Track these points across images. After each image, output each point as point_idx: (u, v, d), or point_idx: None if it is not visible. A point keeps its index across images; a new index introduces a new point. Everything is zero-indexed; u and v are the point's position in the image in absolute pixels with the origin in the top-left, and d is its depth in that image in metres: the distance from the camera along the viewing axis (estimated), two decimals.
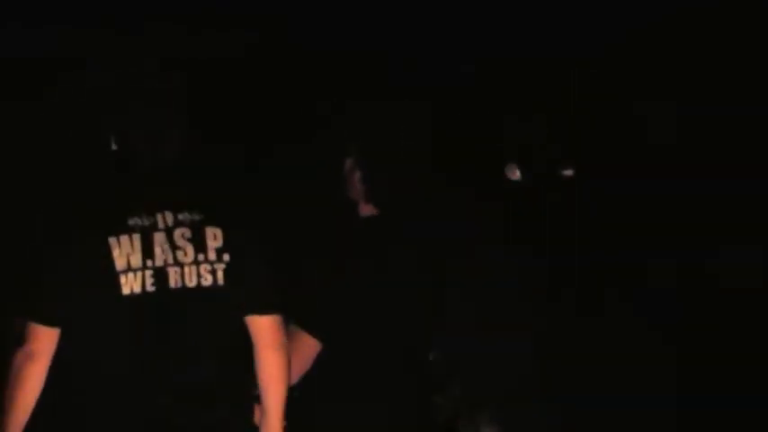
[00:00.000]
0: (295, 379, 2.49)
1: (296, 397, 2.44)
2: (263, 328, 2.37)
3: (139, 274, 2.24)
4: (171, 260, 2.26)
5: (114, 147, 2.37)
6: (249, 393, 2.40)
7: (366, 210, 2.73)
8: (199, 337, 2.28)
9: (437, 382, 2.90)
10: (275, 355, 2.36)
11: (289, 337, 2.45)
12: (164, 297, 2.25)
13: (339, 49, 5.56)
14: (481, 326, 3.26)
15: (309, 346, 2.55)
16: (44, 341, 2.26)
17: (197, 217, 2.32)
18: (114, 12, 5.30)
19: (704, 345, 4.82)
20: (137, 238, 2.25)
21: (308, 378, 2.56)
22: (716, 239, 5.23)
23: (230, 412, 2.32)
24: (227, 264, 2.29)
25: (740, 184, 5.36)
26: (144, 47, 5.53)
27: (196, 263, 2.27)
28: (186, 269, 2.27)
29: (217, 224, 2.31)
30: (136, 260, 2.24)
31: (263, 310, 2.37)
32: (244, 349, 2.38)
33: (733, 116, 5.30)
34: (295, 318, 2.54)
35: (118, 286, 2.22)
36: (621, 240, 5.09)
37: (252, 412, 2.40)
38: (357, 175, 2.70)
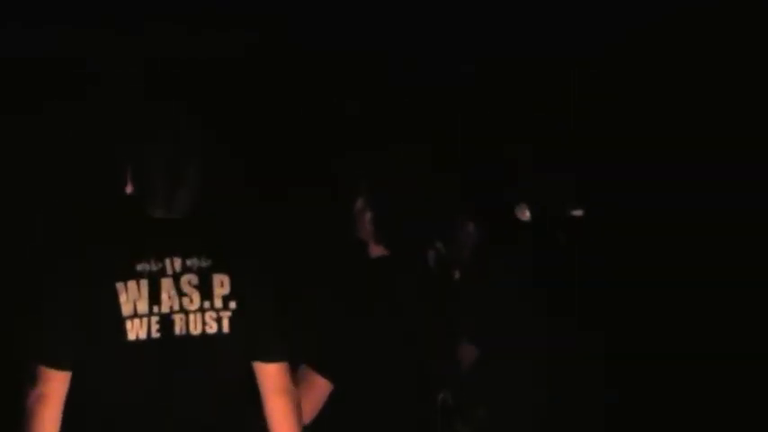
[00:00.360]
0: (308, 419, 2.50)
1: None
2: (270, 375, 2.38)
3: (145, 320, 2.24)
4: (177, 307, 2.26)
5: (129, 190, 2.39)
6: None
7: (376, 250, 2.72)
8: (201, 384, 2.29)
9: (457, 411, 2.91)
10: (283, 400, 2.38)
11: (300, 378, 2.48)
12: (168, 344, 2.26)
13: (339, 49, 5.55)
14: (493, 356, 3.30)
15: (321, 387, 2.55)
16: (55, 384, 2.27)
17: (205, 263, 2.32)
18: (114, 12, 5.30)
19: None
20: (144, 283, 2.25)
21: (320, 418, 2.56)
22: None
23: None
24: (233, 311, 2.29)
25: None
26: (144, 47, 5.53)
27: (201, 310, 2.28)
28: (191, 316, 2.26)
29: (225, 271, 2.31)
30: (142, 306, 2.25)
31: (269, 357, 2.38)
32: (251, 392, 2.39)
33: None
34: (306, 359, 2.54)
35: (124, 332, 2.23)
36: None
37: None
38: (368, 216, 2.69)
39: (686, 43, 5.37)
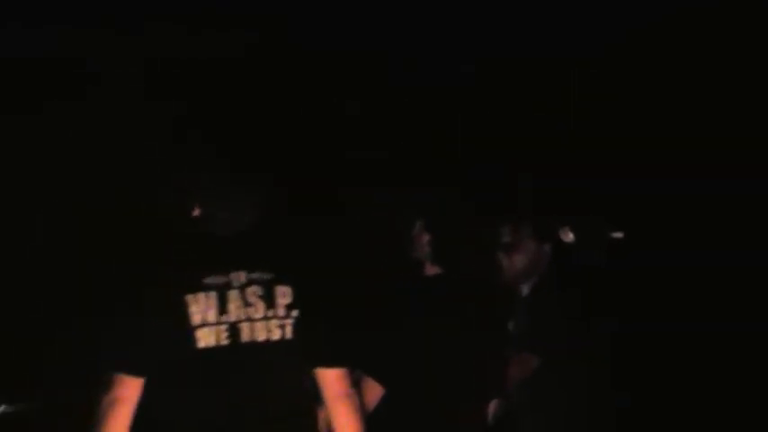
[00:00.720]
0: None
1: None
2: (330, 380, 2.57)
3: (214, 329, 2.44)
4: (243, 316, 2.46)
5: (196, 213, 2.59)
6: None
7: (431, 270, 3.01)
8: (267, 386, 2.50)
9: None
10: (344, 404, 2.57)
11: (356, 382, 2.69)
12: (236, 350, 2.45)
13: (339, 49, 5.56)
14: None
15: (374, 390, 2.81)
16: (130, 389, 2.46)
17: (267, 276, 2.52)
18: (114, 12, 5.30)
19: None
20: (213, 295, 2.46)
21: (374, 416, 2.78)
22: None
23: None
24: (296, 319, 2.49)
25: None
26: (144, 47, 5.53)
27: (266, 318, 2.48)
28: (257, 324, 2.47)
29: (287, 283, 2.52)
30: (211, 316, 2.45)
31: (329, 363, 2.57)
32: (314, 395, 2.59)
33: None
34: (362, 366, 2.78)
35: (194, 340, 2.43)
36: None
37: None
38: (426, 238, 2.99)
39: (686, 43, 5.37)
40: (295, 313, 2.50)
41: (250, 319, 2.48)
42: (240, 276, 2.51)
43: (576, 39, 5.45)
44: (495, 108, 5.82)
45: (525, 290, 3.58)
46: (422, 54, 5.60)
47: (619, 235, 3.86)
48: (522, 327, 3.45)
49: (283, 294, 2.51)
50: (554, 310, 3.46)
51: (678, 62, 5.46)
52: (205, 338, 2.45)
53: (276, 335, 2.49)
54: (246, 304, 2.48)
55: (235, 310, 2.47)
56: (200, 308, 2.45)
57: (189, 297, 2.45)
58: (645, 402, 4.47)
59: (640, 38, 5.39)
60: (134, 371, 2.45)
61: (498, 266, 3.44)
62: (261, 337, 2.48)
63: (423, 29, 5.48)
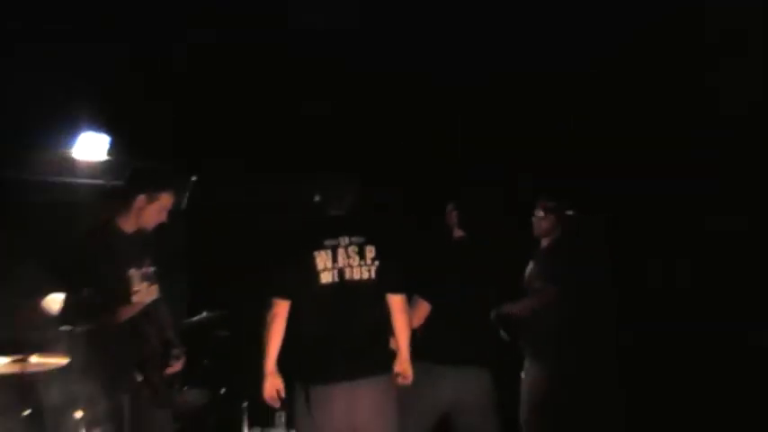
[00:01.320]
0: (416, 325, 4.56)
1: (418, 337, 4.51)
2: (396, 302, 4.26)
3: (330, 272, 4.10)
4: (346, 264, 4.12)
5: (316, 199, 4.35)
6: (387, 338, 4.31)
7: (458, 233, 4.93)
8: (360, 308, 4.13)
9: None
10: (402, 316, 4.28)
11: (412, 302, 4.52)
12: (342, 285, 4.10)
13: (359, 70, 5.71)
14: None
15: (425, 307, 4.71)
16: (283, 308, 4.16)
17: (361, 240, 4.19)
18: (114, 12, 5.30)
19: None
20: (328, 251, 4.13)
21: (425, 324, 4.71)
22: None
23: (380, 346, 4.22)
24: (377, 266, 4.17)
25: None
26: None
27: (359, 266, 4.15)
28: (354, 269, 4.13)
29: (372, 244, 4.18)
30: (329, 264, 4.11)
31: (395, 291, 4.26)
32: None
33: None
34: (417, 291, 4.67)
35: (318, 278, 4.10)
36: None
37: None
38: (455, 214, 4.92)
39: (684, 44, 5.38)
40: (377, 262, 4.15)
41: (350, 266, 4.11)
42: (344, 240, 4.17)
43: (578, 41, 5.47)
44: (496, 108, 5.85)
45: (545, 243, 5.34)
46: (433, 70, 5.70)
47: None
48: (540, 267, 5.25)
49: (370, 251, 4.16)
50: (563, 257, 5.20)
51: (678, 62, 5.47)
52: (324, 277, 4.08)
53: (365, 276, 4.14)
54: (348, 257, 4.12)
55: (341, 260, 4.11)
56: (322, 259, 4.10)
57: (315, 252, 4.13)
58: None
59: (640, 38, 5.40)
60: (285, 296, 4.14)
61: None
62: (357, 277, 4.11)
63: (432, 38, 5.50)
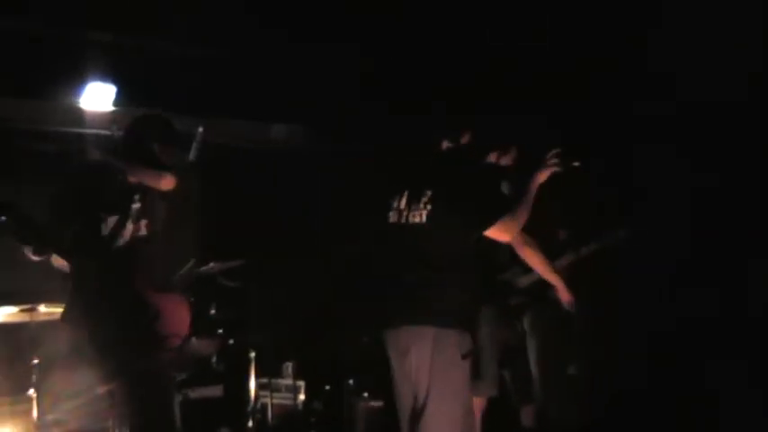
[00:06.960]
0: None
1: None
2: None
3: (395, 213, 4.42)
4: (407, 207, 4.40)
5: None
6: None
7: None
8: (418, 245, 4.32)
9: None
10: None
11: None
12: (403, 226, 4.38)
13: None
14: None
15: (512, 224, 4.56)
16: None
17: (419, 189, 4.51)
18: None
19: None
20: (396, 197, 4.44)
21: None
22: None
23: (440, 285, 4.28)
24: (429, 211, 4.36)
25: None
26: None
27: (417, 209, 4.38)
28: (414, 213, 4.37)
29: (429, 188, 4.38)
30: (395, 206, 4.44)
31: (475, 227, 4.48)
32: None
33: None
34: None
35: (387, 219, 4.46)
36: None
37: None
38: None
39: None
40: (429, 207, 4.34)
41: (410, 209, 4.38)
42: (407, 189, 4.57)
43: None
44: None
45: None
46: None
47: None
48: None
49: (426, 196, 4.37)
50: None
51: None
52: (391, 218, 4.43)
53: (421, 219, 4.34)
54: (410, 202, 4.40)
55: (404, 204, 4.42)
56: (393, 204, 4.45)
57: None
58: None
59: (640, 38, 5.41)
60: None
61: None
62: (415, 220, 4.35)
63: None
